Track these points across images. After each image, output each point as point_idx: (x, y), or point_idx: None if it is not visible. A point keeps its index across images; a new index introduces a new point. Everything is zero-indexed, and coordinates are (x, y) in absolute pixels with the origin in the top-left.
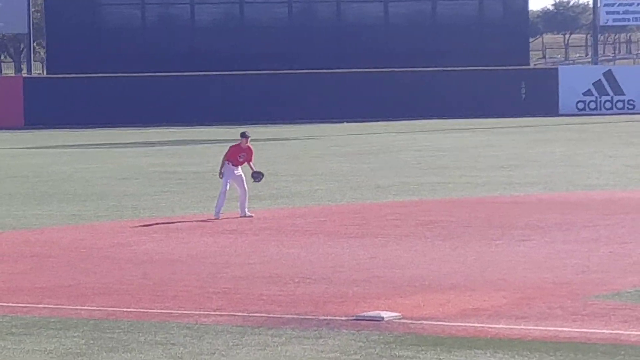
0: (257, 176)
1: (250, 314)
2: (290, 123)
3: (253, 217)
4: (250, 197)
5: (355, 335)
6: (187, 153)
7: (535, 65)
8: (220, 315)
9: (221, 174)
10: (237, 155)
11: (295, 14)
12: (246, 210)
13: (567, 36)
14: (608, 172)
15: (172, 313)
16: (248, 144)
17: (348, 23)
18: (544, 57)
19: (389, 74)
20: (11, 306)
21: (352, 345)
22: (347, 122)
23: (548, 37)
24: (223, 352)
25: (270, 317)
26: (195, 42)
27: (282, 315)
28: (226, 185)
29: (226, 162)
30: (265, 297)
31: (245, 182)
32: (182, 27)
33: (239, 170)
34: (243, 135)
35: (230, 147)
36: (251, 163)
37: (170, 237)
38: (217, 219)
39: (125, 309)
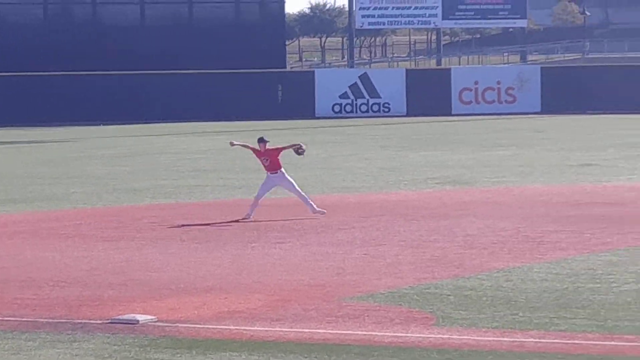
0: (301, 152)
1: (4, 318)
2: (46, 125)
3: (325, 213)
4: (4, 200)
5: (110, 339)
6: None
7: (292, 68)
8: None
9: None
10: (261, 159)
11: (51, 13)
12: (314, 206)
13: (323, 39)
14: (364, 175)
15: None
16: (267, 148)
17: (104, 24)
18: (300, 60)
19: (146, 76)
20: None
21: (107, 348)
22: (103, 124)
23: (305, 40)
24: None
25: (23, 321)
26: None
27: (36, 319)
28: (263, 195)
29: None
30: (19, 300)
31: (295, 185)
32: None
33: (279, 174)
34: (261, 140)
35: (254, 148)
36: (283, 152)
37: None
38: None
39: None
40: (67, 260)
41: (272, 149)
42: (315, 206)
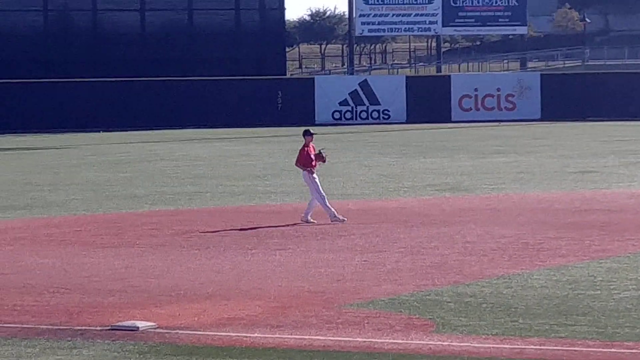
0: (324, 158)
1: (4, 325)
2: (46, 132)
3: (315, 224)
4: (4, 207)
5: (110, 345)
6: None
7: (291, 75)
8: None
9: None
10: (311, 155)
11: (51, 21)
12: (309, 216)
13: (323, 46)
14: (363, 182)
15: None
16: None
17: (104, 32)
18: (300, 67)
19: (146, 83)
20: None
21: (107, 355)
22: (103, 131)
23: (305, 47)
24: None
25: (24, 327)
26: None
27: (37, 326)
28: (319, 189)
29: (305, 170)
30: (19, 307)
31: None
32: None
33: (315, 174)
34: (308, 133)
35: (301, 151)
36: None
37: None
38: (340, 220)
39: None
40: (67, 266)
41: (312, 148)
42: (305, 215)
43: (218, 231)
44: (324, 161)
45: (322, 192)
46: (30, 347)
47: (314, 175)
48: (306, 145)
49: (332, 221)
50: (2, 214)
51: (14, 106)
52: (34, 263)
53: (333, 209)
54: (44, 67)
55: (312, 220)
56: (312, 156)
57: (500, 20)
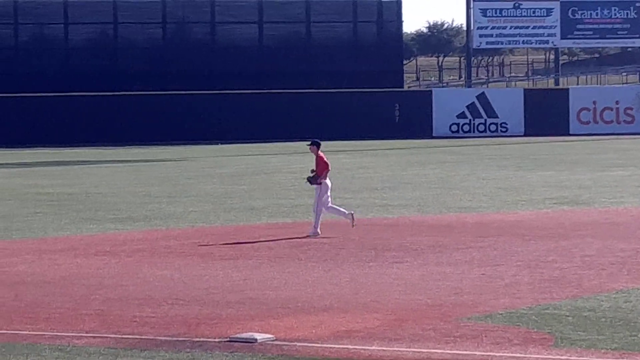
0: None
1: (123, 336)
2: (164, 144)
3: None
4: (122, 218)
5: (229, 357)
6: (60, 174)
7: (409, 87)
8: (93, 337)
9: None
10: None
11: (170, 34)
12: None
13: (440, 59)
14: (481, 195)
15: (44, 335)
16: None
17: (222, 44)
18: (417, 79)
19: (264, 95)
20: None
21: None
22: (221, 143)
23: (422, 60)
24: None
25: (143, 338)
26: (69, 62)
27: (155, 337)
28: (328, 198)
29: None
30: (139, 318)
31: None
32: (55, 47)
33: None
34: (316, 143)
35: (320, 160)
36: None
37: (43, 259)
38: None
39: None
40: (185, 278)
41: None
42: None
43: (335, 243)
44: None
45: (330, 202)
46: (149, 359)
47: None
48: (318, 155)
49: (313, 230)
50: (122, 226)
51: (134, 118)
52: (152, 275)
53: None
54: (162, 80)
55: (319, 231)
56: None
57: (618, 32)
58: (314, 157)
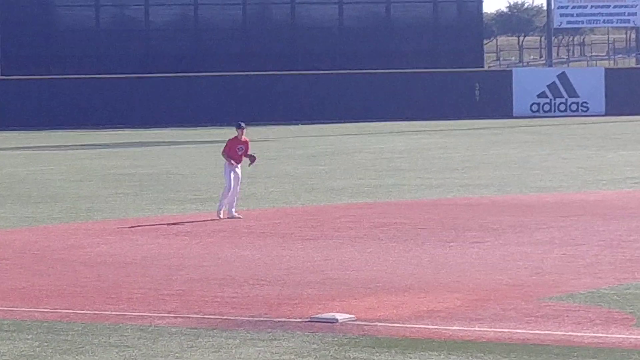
0: (252, 159)
1: (205, 316)
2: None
3: (241, 219)
4: (202, 199)
5: (310, 337)
6: (141, 155)
7: (489, 67)
8: (175, 317)
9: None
10: (236, 148)
11: (250, 15)
12: (233, 210)
13: (521, 38)
14: (561, 174)
15: (126, 315)
16: (244, 136)
17: (302, 25)
18: (498, 59)
19: (343, 76)
20: None
21: (306, 347)
22: (301, 124)
23: (502, 39)
24: (177, 354)
25: (224, 319)
26: (150, 44)
27: (237, 317)
28: (231, 182)
29: (228, 159)
30: (220, 299)
31: (240, 182)
32: (136, 29)
33: (239, 168)
34: (239, 126)
35: (228, 140)
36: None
37: (124, 239)
38: (220, 218)
39: (79, 311)
40: (266, 259)
41: (247, 143)
42: (229, 210)
43: (415, 224)
44: (252, 161)
45: (232, 185)
46: (231, 339)
47: (237, 170)
48: (239, 137)
49: (217, 212)
50: (202, 206)
51: (214, 99)
52: (233, 255)
53: (224, 206)
54: (242, 61)
55: (237, 215)
56: (238, 150)
57: None
58: (243, 138)
